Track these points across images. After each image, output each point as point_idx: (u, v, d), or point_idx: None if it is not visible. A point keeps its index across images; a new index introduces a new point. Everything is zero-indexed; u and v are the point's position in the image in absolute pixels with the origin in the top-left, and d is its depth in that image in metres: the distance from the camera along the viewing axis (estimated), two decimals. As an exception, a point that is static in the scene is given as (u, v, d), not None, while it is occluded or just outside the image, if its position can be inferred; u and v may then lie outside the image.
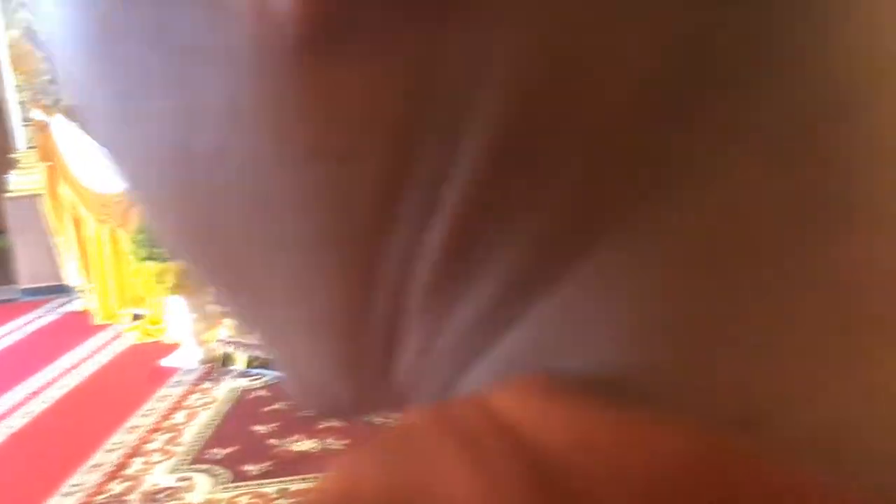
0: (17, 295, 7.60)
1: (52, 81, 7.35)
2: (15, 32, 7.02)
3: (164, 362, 5.20)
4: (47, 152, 6.47)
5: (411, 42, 0.15)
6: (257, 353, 4.77)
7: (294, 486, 3.30)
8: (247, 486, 3.42)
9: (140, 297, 5.83)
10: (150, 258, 4.89)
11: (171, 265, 4.84)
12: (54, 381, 5.08)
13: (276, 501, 3.23)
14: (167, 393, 4.63)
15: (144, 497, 3.45)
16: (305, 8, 0.15)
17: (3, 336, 6.43)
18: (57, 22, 0.21)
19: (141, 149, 0.21)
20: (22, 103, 7.34)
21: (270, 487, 3.39)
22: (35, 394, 4.89)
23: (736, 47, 0.16)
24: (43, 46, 7.21)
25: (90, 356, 5.58)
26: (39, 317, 6.91)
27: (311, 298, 0.20)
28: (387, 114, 0.16)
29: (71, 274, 6.75)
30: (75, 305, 6.87)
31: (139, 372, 5.13)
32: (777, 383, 0.15)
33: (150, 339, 5.71)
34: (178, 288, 4.91)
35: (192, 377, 4.87)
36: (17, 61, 6.68)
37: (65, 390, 4.90)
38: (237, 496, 3.33)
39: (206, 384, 4.72)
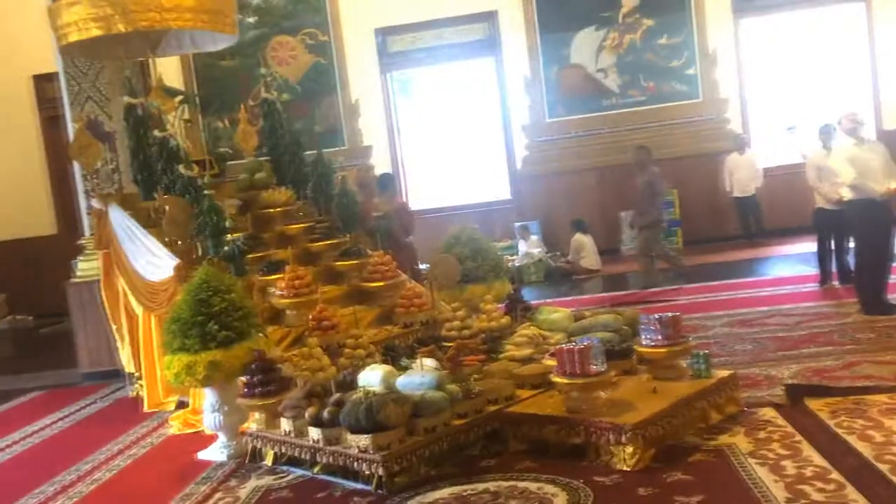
0: (79, 379, 7.71)
1: (113, 170, 7.60)
2: (77, 124, 7.30)
3: (201, 455, 5.07)
4: (103, 240, 6.61)
5: None
6: (286, 448, 4.59)
7: None
8: None
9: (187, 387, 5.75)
10: (181, 349, 4.80)
11: (202, 356, 4.74)
12: (86, 474, 5.01)
13: None
14: (191, 491, 4.47)
15: None
16: None
17: (60, 420, 6.48)
18: None
19: None
20: (86, 192, 7.61)
21: None
22: (80, 478, 4.86)
23: None
24: (104, 137, 7.47)
25: (129, 446, 5.51)
26: (94, 401, 6.95)
27: None
28: None
29: (125, 361, 6.80)
30: (128, 391, 6.89)
31: (172, 465, 5.01)
32: None
33: (189, 430, 5.61)
34: (207, 380, 4.79)
35: (220, 473, 4.71)
36: (81, 151, 6.89)
37: (94, 485, 4.81)
38: None
39: (233, 481, 4.54)
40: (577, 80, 12.63)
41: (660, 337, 4.66)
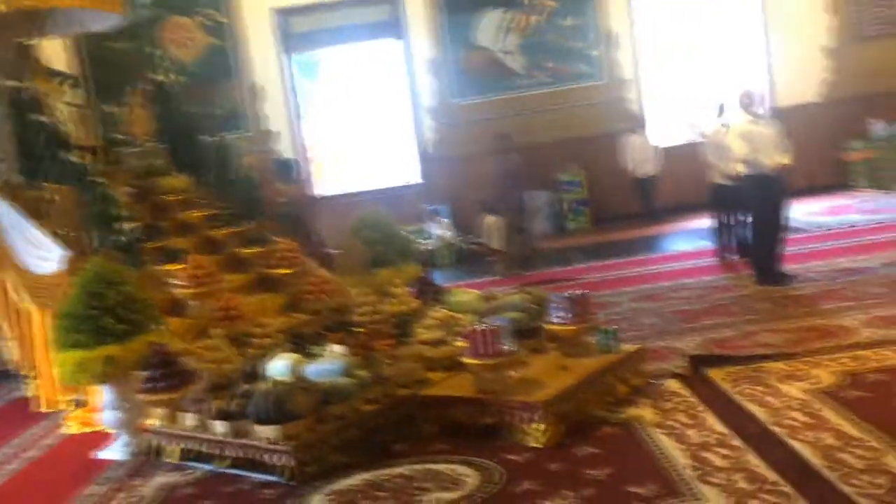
0: (-33, 381, 7.24)
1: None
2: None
3: (101, 454, 4.84)
4: (-14, 234, 6.19)
5: None
6: (190, 444, 4.42)
7: None
8: None
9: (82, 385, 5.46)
10: (74, 345, 4.55)
11: (97, 352, 4.51)
12: (-25, 482, 4.71)
13: None
14: (93, 492, 4.26)
15: None
16: None
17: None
18: None
19: None
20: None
21: None
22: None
23: None
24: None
25: (25, 448, 5.22)
26: (-15, 404, 6.55)
27: None
28: None
29: (15, 359, 6.41)
30: (21, 392, 6.51)
31: (71, 465, 4.77)
32: None
33: (88, 430, 5.34)
34: (104, 376, 4.56)
35: (122, 472, 4.50)
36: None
37: (-16, 493, 4.53)
38: None
39: (136, 480, 4.35)
40: (482, 61, 12.65)
41: (569, 315, 4.71)
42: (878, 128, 11.98)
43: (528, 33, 12.55)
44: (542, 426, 4.00)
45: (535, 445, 3.99)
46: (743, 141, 6.82)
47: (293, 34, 12.66)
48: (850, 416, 3.81)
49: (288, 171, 8.86)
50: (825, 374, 4.43)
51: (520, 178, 9.70)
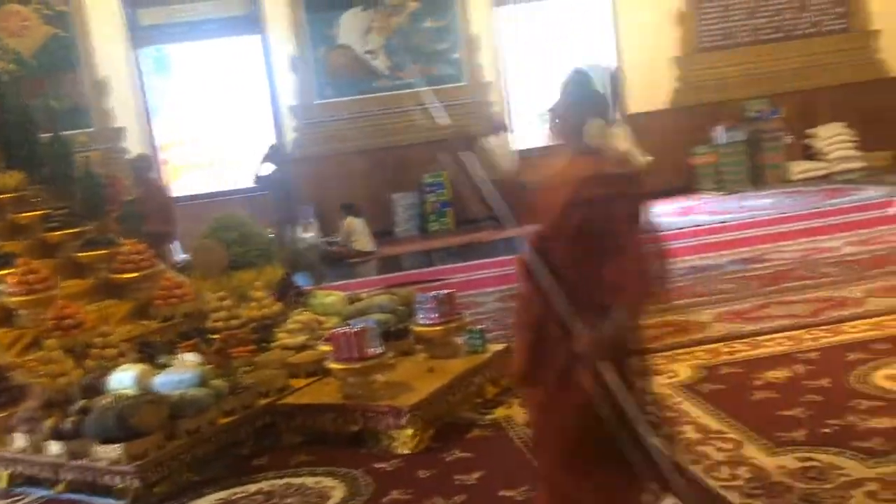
0: None
1: None
2: None
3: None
4: None
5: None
6: (21, 467, 3.97)
7: None
8: None
9: None
10: None
11: None
12: None
13: None
14: None
15: None
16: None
17: None
18: None
19: None
20: None
21: None
22: None
23: None
24: None
25: None
26: None
27: None
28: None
29: None
30: None
31: None
32: None
33: None
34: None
35: (-61, 504, 3.98)
36: None
37: None
38: None
39: (-45, 513, 3.86)
40: (345, 61, 12.41)
41: (436, 315, 4.60)
42: (720, 134, 12.69)
43: (392, 33, 12.43)
44: (410, 431, 3.86)
45: (403, 452, 3.84)
46: (623, 140, 7.00)
47: (142, 27, 11.93)
48: (707, 409, 3.90)
49: (139, 168, 8.29)
50: (682, 368, 4.55)
51: (294, 189, 9.42)
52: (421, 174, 12.45)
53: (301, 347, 4.94)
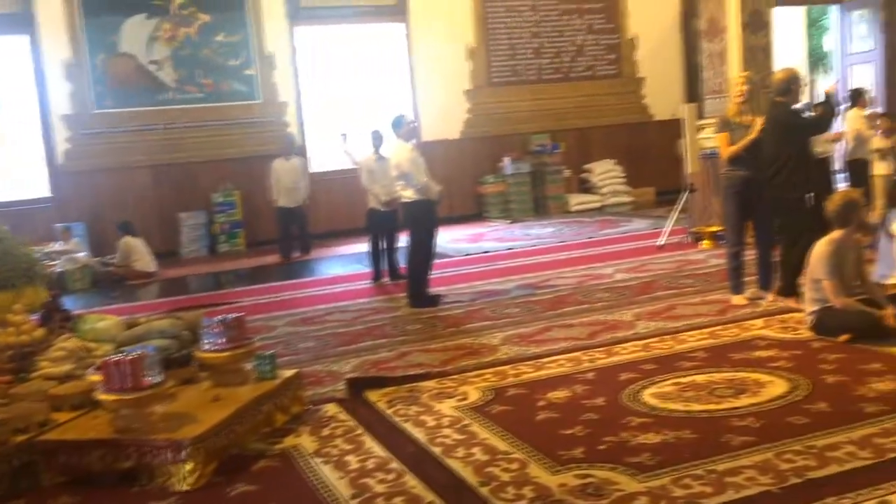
0: None
1: None
2: None
3: None
4: None
5: None
6: None
7: None
8: None
9: None
10: None
11: None
12: None
13: None
14: None
15: None
16: None
17: None
18: None
19: None
20: None
21: None
22: None
23: None
24: None
25: None
26: None
27: None
28: None
29: None
30: None
31: None
32: None
33: None
34: None
35: None
36: None
37: None
38: None
39: None
40: (127, 70, 11.67)
41: (223, 340, 4.35)
42: (507, 165, 13.35)
43: (179, 45, 11.86)
44: (190, 465, 3.60)
45: (181, 488, 3.57)
46: (416, 166, 7.04)
47: None
48: (495, 430, 3.99)
49: None
50: (472, 391, 4.64)
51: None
52: (210, 193, 11.94)
53: (66, 377, 4.47)
